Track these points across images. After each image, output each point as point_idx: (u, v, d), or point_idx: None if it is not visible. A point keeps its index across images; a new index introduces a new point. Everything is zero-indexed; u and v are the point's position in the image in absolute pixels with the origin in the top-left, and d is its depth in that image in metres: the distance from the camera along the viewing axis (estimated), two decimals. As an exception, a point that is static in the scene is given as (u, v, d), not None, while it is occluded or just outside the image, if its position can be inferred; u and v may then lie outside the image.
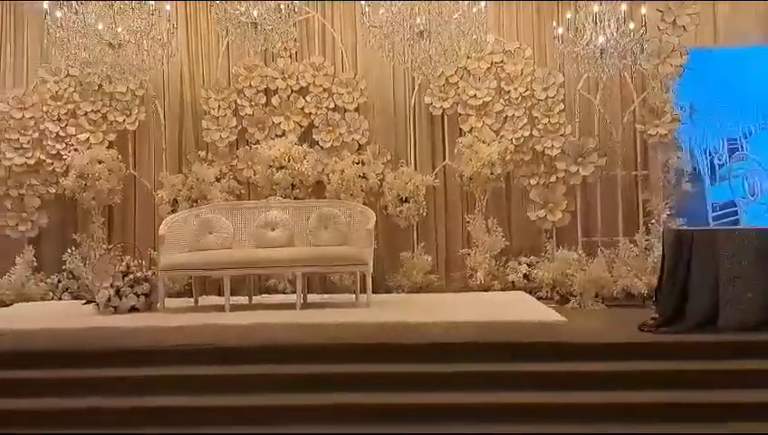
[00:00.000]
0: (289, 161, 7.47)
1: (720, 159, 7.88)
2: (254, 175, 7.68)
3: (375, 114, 7.89)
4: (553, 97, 7.60)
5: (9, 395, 4.99)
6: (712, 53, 7.77)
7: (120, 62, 6.57)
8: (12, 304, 7.14)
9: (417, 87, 7.80)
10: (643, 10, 7.03)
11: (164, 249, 6.36)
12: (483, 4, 6.56)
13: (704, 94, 7.77)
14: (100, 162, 7.50)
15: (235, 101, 7.78)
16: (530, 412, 4.67)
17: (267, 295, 7.23)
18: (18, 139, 7.67)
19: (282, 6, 6.64)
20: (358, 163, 7.60)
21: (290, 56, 7.84)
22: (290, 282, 7.19)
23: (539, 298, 6.99)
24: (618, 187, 7.64)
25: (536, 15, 7.87)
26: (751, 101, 7.85)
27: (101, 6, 6.55)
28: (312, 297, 6.93)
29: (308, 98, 7.77)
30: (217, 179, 7.63)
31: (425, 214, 7.65)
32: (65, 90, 7.74)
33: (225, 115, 7.76)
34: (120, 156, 7.71)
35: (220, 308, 6.23)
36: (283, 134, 7.73)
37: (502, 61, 7.70)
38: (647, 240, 7.37)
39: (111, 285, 6.25)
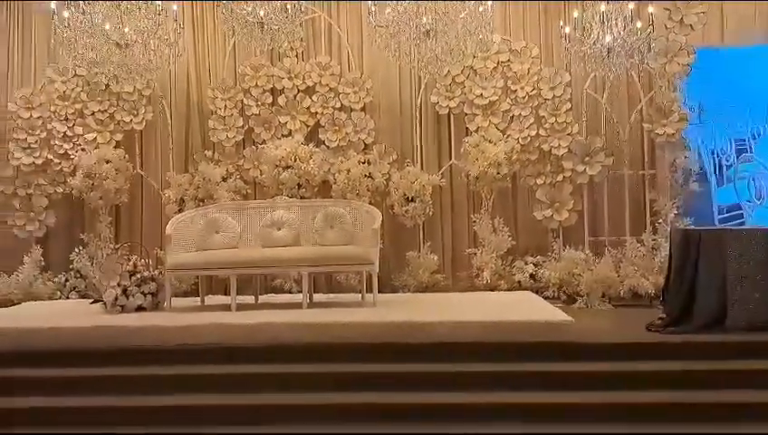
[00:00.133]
0: (295, 161, 7.47)
1: (728, 160, 7.85)
2: (261, 175, 7.69)
3: (381, 114, 7.90)
4: (560, 96, 7.58)
5: (15, 394, 5.02)
6: (719, 53, 7.73)
7: (127, 61, 6.59)
8: (20, 303, 7.19)
9: (423, 86, 7.79)
10: (650, 9, 7.04)
11: (170, 249, 6.38)
12: (489, 3, 6.56)
13: (711, 94, 7.74)
14: (107, 162, 7.53)
15: (242, 100, 7.80)
16: (536, 412, 4.66)
17: (273, 295, 7.25)
18: (26, 138, 7.72)
19: (288, 6, 6.66)
20: (364, 163, 7.62)
21: (296, 56, 7.85)
22: (296, 281, 7.19)
23: (545, 298, 6.98)
24: (625, 186, 7.61)
25: (543, 15, 7.85)
26: (760, 101, 7.80)
27: (109, 6, 6.56)
28: (318, 297, 6.93)
29: (314, 97, 7.78)
30: (224, 179, 7.66)
31: (431, 213, 7.65)
32: (73, 89, 7.78)
33: (232, 115, 7.78)
34: (126, 156, 7.74)
35: (226, 308, 6.24)
36: (290, 134, 7.74)
37: (508, 60, 7.70)
38: (654, 240, 7.34)
39: (118, 285, 6.27)
